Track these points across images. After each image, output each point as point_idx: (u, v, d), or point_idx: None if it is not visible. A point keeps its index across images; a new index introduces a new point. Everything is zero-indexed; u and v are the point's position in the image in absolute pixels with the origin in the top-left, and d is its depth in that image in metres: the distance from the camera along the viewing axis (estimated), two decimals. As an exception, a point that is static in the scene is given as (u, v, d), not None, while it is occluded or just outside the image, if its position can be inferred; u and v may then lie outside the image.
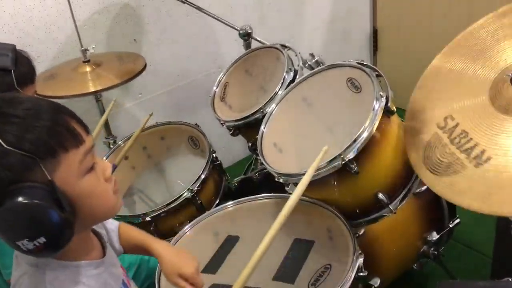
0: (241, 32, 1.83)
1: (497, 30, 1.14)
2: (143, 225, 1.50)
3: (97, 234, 0.93)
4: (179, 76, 2.42)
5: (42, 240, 0.69)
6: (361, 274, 1.09)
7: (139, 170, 1.85)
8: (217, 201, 1.63)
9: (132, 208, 1.79)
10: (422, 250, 1.54)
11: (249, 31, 1.82)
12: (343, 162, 1.15)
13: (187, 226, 1.30)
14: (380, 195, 1.24)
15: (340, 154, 1.16)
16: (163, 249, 1.11)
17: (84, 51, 1.75)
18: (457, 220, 1.53)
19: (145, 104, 2.35)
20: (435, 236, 1.52)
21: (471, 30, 1.21)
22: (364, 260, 1.47)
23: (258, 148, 1.33)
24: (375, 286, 1.45)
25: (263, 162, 1.29)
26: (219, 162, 1.65)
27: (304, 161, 1.43)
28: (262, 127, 1.38)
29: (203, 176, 1.54)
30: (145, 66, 1.81)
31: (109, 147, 1.87)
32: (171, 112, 2.44)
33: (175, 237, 1.29)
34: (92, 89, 1.66)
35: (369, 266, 1.49)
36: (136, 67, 1.78)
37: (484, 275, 1.70)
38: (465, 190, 1.00)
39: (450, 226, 1.53)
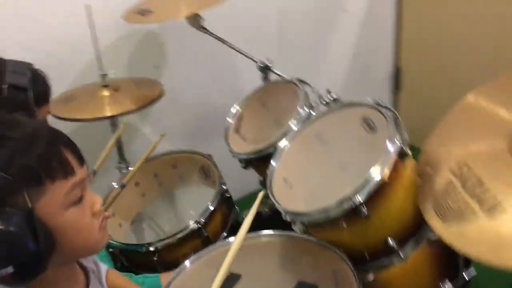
0: (260, 65, 1.82)
1: None
2: (146, 255, 1.48)
3: (84, 268, 0.90)
4: (198, 104, 2.42)
5: (9, 269, 0.67)
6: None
7: (150, 197, 1.83)
8: (224, 234, 1.60)
9: (140, 235, 1.77)
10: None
11: (268, 64, 1.81)
12: (353, 205, 1.11)
13: (187, 261, 1.26)
14: (390, 241, 1.20)
15: (350, 197, 1.12)
16: None
17: (104, 76, 1.76)
18: (473, 273, 1.46)
19: (163, 130, 2.33)
20: (449, 286, 1.45)
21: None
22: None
23: (267, 183, 1.30)
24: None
25: (271, 197, 1.26)
26: (229, 196, 1.62)
27: (314, 198, 1.41)
28: (273, 162, 1.35)
29: (211, 209, 1.51)
30: (162, 93, 1.81)
31: (120, 172, 1.86)
32: (188, 140, 2.43)
33: (176, 270, 1.25)
34: (108, 114, 1.67)
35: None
36: (152, 93, 1.78)
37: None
38: (475, 241, 0.95)
39: (466, 278, 1.46)
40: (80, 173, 0.76)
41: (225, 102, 2.46)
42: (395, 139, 1.16)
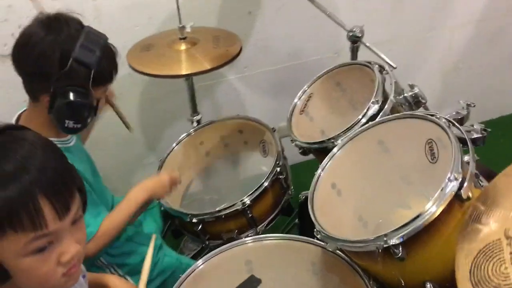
0: (349, 34, 1.63)
1: None
2: (190, 224, 1.49)
3: None
4: (290, 55, 2.29)
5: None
6: None
7: (213, 156, 1.82)
8: (273, 216, 1.55)
9: (199, 191, 1.79)
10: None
11: (358, 35, 1.61)
12: (385, 245, 0.98)
13: (200, 260, 1.24)
14: (429, 286, 1.06)
15: (384, 235, 0.99)
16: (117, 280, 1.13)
17: (182, 28, 1.70)
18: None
19: (248, 78, 2.28)
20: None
21: None
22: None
23: (309, 192, 1.20)
24: None
25: (310, 210, 1.16)
26: (284, 176, 1.54)
27: (368, 208, 1.29)
28: (320, 170, 1.23)
29: (259, 191, 1.46)
30: (240, 51, 1.72)
31: (192, 124, 1.86)
32: (273, 92, 2.35)
33: (188, 271, 1.23)
34: (183, 72, 1.62)
35: None
36: (230, 52, 1.69)
37: None
38: None
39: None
40: (54, 225, 0.71)
41: (321, 56, 2.32)
42: (454, 179, 0.97)
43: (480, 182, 1.14)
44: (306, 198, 1.59)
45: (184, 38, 1.72)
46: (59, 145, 1.19)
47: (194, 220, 1.47)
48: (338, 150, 1.27)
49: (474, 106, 1.30)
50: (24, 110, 1.29)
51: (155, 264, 1.42)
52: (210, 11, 2.02)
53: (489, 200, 0.97)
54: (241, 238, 1.34)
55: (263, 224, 1.53)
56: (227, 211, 1.45)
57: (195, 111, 1.88)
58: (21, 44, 1.17)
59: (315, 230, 1.13)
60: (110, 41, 1.27)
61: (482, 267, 0.88)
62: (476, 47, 2.53)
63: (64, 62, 1.13)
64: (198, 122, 1.87)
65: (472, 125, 1.24)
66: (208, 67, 1.63)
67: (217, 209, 1.47)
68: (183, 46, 1.71)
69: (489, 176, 1.12)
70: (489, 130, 1.22)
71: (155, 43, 1.76)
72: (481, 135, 1.19)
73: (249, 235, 1.49)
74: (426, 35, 2.43)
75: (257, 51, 2.20)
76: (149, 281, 1.34)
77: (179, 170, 1.69)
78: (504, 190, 0.97)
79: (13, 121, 1.28)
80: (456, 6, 2.39)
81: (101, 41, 1.21)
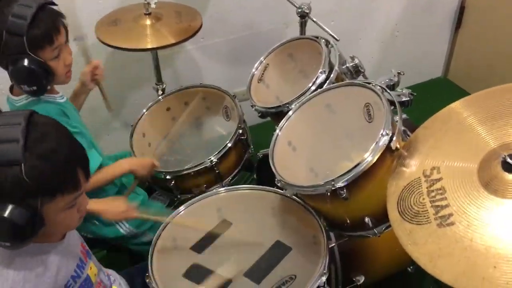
0: (298, 10, 1.84)
1: None
2: (164, 180, 1.69)
3: None
4: (243, 26, 2.47)
5: (8, 244, 0.89)
6: (321, 289, 1.21)
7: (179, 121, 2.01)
8: (236, 171, 1.77)
9: (167, 151, 1.97)
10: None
11: (306, 11, 1.83)
12: (332, 189, 1.23)
13: (182, 207, 1.46)
14: (367, 219, 1.32)
15: (332, 180, 1.24)
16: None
17: (147, 5, 1.85)
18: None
19: (205, 48, 2.45)
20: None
21: (505, 88, 1.19)
22: (353, 258, 1.60)
23: (270, 149, 1.43)
24: (358, 283, 1.58)
25: (271, 164, 1.39)
26: (245, 137, 1.76)
27: (318, 161, 1.53)
28: (278, 130, 1.46)
29: (224, 150, 1.67)
30: (201, 26, 1.89)
31: (157, 93, 2.03)
32: (229, 60, 2.54)
33: (176, 211, 1.45)
34: (149, 46, 1.79)
35: (358, 263, 1.62)
36: (192, 27, 1.87)
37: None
38: (419, 243, 1.05)
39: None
40: (84, 186, 0.94)
41: (272, 26, 2.52)
42: (386, 134, 1.23)
43: (407, 137, 1.41)
44: (264, 155, 1.85)
45: (149, 14, 1.87)
46: (52, 100, 1.42)
47: (168, 177, 1.67)
48: (292, 113, 1.50)
49: (403, 74, 1.57)
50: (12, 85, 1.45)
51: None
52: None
53: (411, 148, 1.24)
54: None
55: (228, 179, 1.76)
56: (197, 168, 1.66)
57: (159, 80, 2.06)
58: None
59: (276, 179, 1.36)
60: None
61: (406, 199, 1.15)
62: (411, 16, 2.80)
63: (0, 38, 1.26)
64: (163, 90, 2.04)
65: (402, 90, 1.51)
66: (173, 41, 1.81)
67: (187, 166, 1.68)
68: (148, 21, 1.87)
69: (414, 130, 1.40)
70: (415, 94, 1.50)
71: (122, 18, 1.90)
72: (408, 98, 1.46)
73: (216, 188, 1.71)
74: (367, 6, 2.67)
75: (213, 23, 2.37)
76: (140, 223, 1.57)
77: (147, 134, 1.88)
78: (422, 139, 1.24)
79: (10, 95, 1.44)
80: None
81: (34, 6, 1.28)
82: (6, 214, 0.85)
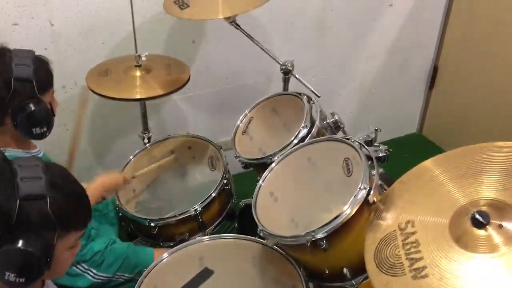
0: (282, 67, 1.94)
1: (495, 160, 1.18)
2: (148, 227, 1.72)
3: None
4: (228, 79, 2.57)
5: (22, 280, 0.91)
6: None
7: (164, 168, 2.05)
8: (219, 221, 1.82)
9: (151, 198, 2.01)
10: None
11: (289, 68, 1.93)
12: (313, 239, 1.29)
13: (166, 253, 1.48)
14: (345, 270, 1.37)
15: (312, 231, 1.29)
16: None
17: (138, 57, 1.93)
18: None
19: (191, 99, 2.54)
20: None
21: (474, 148, 1.27)
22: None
23: (252, 199, 1.48)
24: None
25: (254, 213, 1.44)
26: (229, 187, 1.82)
27: (299, 212, 1.59)
28: (261, 181, 1.53)
29: (209, 200, 1.72)
30: (189, 79, 1.98)
31: (143, 141, 2.09)
32: (214, 111, 2.62)
33: (159, 258, 1.48)
34: (138, 96, 1.86)
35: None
36: (181, 79, 1.95)
37: None
38: None
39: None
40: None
41: (256, 80, 2.63)
42: (364, 188, 1.30)
43: (384, 190, 1.49)
44: (246, 205, 1.90)
45: (139, 66, 1.95)
46: (31, 155, 1.46)
47: (152, 224, 1.70)
48: (275, 165, 1.57)
49: (380, 130, 1.66)
50: None
51: (109, 252, 1.64)
52: (159, 40, 2.27)
53: (387, 201, 1.31)
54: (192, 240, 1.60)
55: (210, 228, 1.79)
56: (182, 216, 1.70)
57: (146, 128, 2.11)
58: None
59: (258, 229, 1.41)
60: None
61: (383, 251, 1.20)
62: (386, 75, 2.95)
63: (9, 85, 1.34)
64: (149, 139, 2.09)
65: (379, 146, 1.59)
66: (161, 92, 1.88)
67: (171, 214, 1.71)
68: (138, 73, 1.95)
69: (391, 185, 1.47)
70: (391, 150, 1.58)
71: (112, 69, 1.97)
72: (384, 154, 1.55)
73: (198, 237, 1.74)
74: (345, 63, 2.82)
75: (199, 75, 2.46)
76: (107, 267, 1.58)
77: (133, 180, 1.92)
78: (398, 193, 1.31)
79: None
80: (368, 40, 2.79)
81: (30, 55, 1.41)
82: (31, 247, 0.89)
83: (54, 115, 1.47)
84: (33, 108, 1.37)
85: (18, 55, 1.37)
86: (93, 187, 1.62)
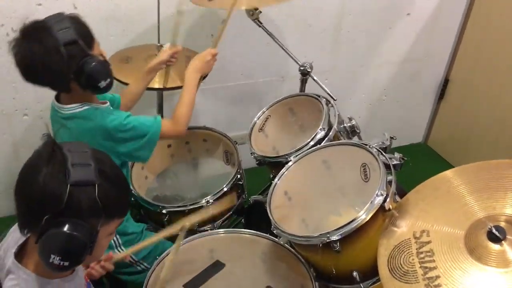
0: (301, 68, 1.96)
1: None
2: (159, 214, 1.74)
3: None
4: (243, 75, 2.59)
5: (66, 263, 0.92)
6: None
7: (177, 158, 2.08)
8: (228, 214, 1.84)
9: (161, 189, 2.03)
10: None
11: (308, 70, 1.95)
12: (327, 241, 1.31)
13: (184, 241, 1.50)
14: (355, 274, 1.40)
15: (327, 233, 1.31)
16: None
17: (160, 47, 1.95)
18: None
19: (204, 92, 2.55)
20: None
21: (498, 163, 1.28)
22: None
23: (268, 196, 1.50)
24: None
25: (268, 211, 1.46)
26: (242, 183, 1.84)
27: (310, 213, 1.61)
28: (277, 179, 1.55)
29: (221, 193, 1.74)
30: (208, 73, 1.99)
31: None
32: (225, 106, 2.64)
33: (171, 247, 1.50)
34: (157, 86, 1.88)
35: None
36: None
37: None
38: None
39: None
40: None
41: (269, 78, 2.64)
42: (380, 195, 1.32)
43: (396, 198, 1.51)
44: (255, 201, 1.92)
45: (160, 55, 1.96)
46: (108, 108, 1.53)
47: (164, 212, 1.72)
48: (291, 165, 1.59)
49: (395, 139, 1.69)
50: (60, 94, 1.51)
51: (144, 236, 1.67)
52: (180, 31, 2.28)
53: (402, 210, 1.34)
54: (201, 232, 1.61)
55: (219, 221, 1.81)
56: (193, 206, 1.71)
57: (161, 117, 2.12)
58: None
59: (272, 226, 1.43)
60: None
61: (396, 257, 1.23)
62: (397, 84, 2.98)
63: (60, 54, 1.31)
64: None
65: (393, 154, 1.62)
66: (181, 83, 1.89)
67: (182, 203, 1.73)
68: (159, 63, 1.95)
69: (400, 193, 1.50)
70: (406, 158, 1.61)
71: (133, 56, 1.98)
72: (399, 162, 1.57)
73: (207, 229, 1.76)
74: (358, 69, 2.84)
75: (214, 69, 2.47)
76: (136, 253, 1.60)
77: (146, 167, 1.93)
78: (413, 203, 1.34)
79: (56, 103, 1.50)
80: (383, 47, 2.81)
81: (65, 18, 1.37)
82: (78, 231, 0.90)
83: (110, 65, 1.46)
84: (90, 65, 1.37)
85: (54, 21, 1.35)
86: (188, 76, 1.71)
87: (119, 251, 1.63)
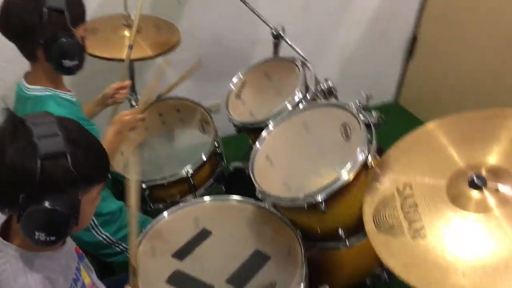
0: (273, 31, 1.94)
1: (505, 127, 1.21)
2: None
3: None
4: (213, 43, 2.54)
5: (52, 238, 0.90)
6: (299, 298, 1.28)
7: (152, 131, 2.04)
8: (209, 183, 1.83)
9: (140, 162, 1.99)
10: (376, 272, 1.73)
11: (280, 32, 1.93)
12: (313, 201, 1.32)
13: (165, 212, 1.50)
14: (340, 231, 1.42)
15: (312, 193, 1.32)
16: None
17: (127, 16, 1.89)
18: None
19: (173, 62, 2.49)
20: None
21: (483, 114, 1.30)
22: (320, 269, 1.69)
23: (250, 160, 1.50)
24: (322, 291, 1.67)
25: (251, 175, 1.46)
26: (220, 151, 1.82)
27: (291, 175, 1.62)
28: (258, 143, 1.54)
29: (200, 162, 1.73)
30: (179, 41, 1.95)
31: (130, 104, 2.05)
32: (197, 75, 2.58)
33: (156, 219, 1.49)
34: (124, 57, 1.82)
35: (324, 274, 1.71)
36: (170, 41, 1.92)
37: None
38: (394, 253, 1.15)
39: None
40: None
41: (240, 45, 2.61)
42: (363, 152, 1.33)
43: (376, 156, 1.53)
44: (235, 168, 1.91)
45: (128, 25, 1.90)
46: (67, 97, 1.47)
47: (144, 186, 1.70)
48: (271, 129, 1.58)
49: (372, 97, 1.69)
50: (28, 73, 1.46)
51: (123, 215, 1.65)
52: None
53: (384, 166, 1.35)
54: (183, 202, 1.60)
55: (201, 190, 1.81)
56: (173, 178, 1.70)
57: (133, 90, 2.08)
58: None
59: (257, 190, 1.43)
60: None
61: (381, 212, 1.25)
62: (367, 44, 2.99)
63: (40, 13, 1.30)
64: (136, 101, 2.06)
65: (371, 112, 1.62)
66: (152, 53, 1.85)
67: (161, 176, 1.71)
68: (127, 33, 1.90)
69: (379, 152, 1.51)
70: (384, 117, 1.62)
71: (100, 28, 1.92)
72: (378, 121, 1.58)
73: (190, 198, 1.75)
74: (328, 31, 2.83)
75: (183, 37, 2.42)
76: (117, 230, 1.59)
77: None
78: (395, 158, 1.36)
79: (23, 81, 1.45)
80: (352, 8, 2.80)
81: None
82: (59, 205, 0.88)
83: (86, 51, 1.42)
84: (64, 39, 1.33)
85: None
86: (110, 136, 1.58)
87: (96, 232, 1.62)
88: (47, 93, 1.43)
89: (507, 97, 2.53)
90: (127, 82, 1.76)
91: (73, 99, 1.52)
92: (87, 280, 1.15)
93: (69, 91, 1.52)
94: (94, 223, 1.60)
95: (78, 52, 1.38)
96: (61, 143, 0.88)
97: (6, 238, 0.98)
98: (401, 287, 1.78)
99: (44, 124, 0.90)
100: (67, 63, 1.36)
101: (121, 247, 1.67)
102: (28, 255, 0.97)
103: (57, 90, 1.45)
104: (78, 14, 1.39)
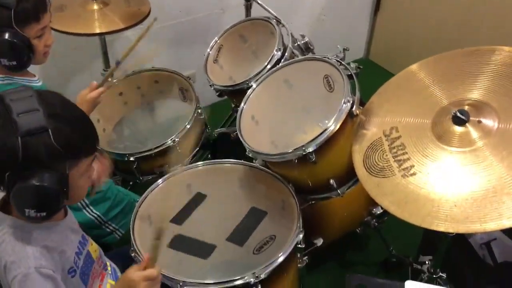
0: (244, -7, 1.93)
1: (482, 63, 1.26)
2: (127, 163, 1.71)
3: None
4: (181, 12, 2.51)
5: (43, 214, 0.91)
6: (299, 246, 1.32)
7: (131, 105, 2.02)
8: (195, 151, 1.84)
9: (121, 139, 1.99)
10: (366, 219, 1.79)
11: (252, -6, 1.92)
12: (303, 153, 1.35)
13: (159, 180, 1.50)
14: (332, 181, 1.46)
15: (302, 146, 1.35)
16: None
17: (94, -8, 1.85)
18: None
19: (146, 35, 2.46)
20: (379, 210, 1.76)
21: (461, 52, 1.33)
22: (313, 223, 1.73)
23: (236, 122, 1.51)
24: (317, 245, 1.72)
25: (240, 136, 1.48)
26: (203, 117, 1.83)
27: (277, 133, 1.64)
28: (242, 104, 1.55)
29: (185, 130, 1.73)
30: (150, 11, 1.92)
31: (107, 79, 2.03)
32: (169, 46, 2.57)
33: (150, 188, 1.49)
34: (97, 31, 1.79)
35: (318, 228, 1.76)
36: (141, 12, 1.89)
37: (413, 249, 1.96)
38: (387, 193, 1.20)
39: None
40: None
41: (209, 12, 2.58)
42: (347, 101, 1.36)
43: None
44: (220, 134, 1.93)
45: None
46: (29, 84, 1.42)
47: (132, 159, 1.70)
48: (254, 88, 1.59)
49: (348, 50, 1.72)
50: None
51: (115, 196, 1.65)
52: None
53: (369, 113, 1.39)
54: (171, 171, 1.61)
55: (189, 158, 1.81)
56: (160, 148, 1.70)
57: (108, 66, 2.05)
58: None
59: (247, 150, 1.45)
60: None
61: (371, 157, 1.29)
62: (334, 1, 2.99)
63: None
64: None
65: (349, 64, 1.65)
66: (123, 25, 1.82)
67: (150, 147, 1.71)
68: (95, 6, 1.86)
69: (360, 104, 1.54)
70: (361, 67, 1.65)
71: (68, 4, 1.87)
72: (356, 71, 1.61)
73: (178, 168, 1.76)
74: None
75: (153, 8, 2.38)
76: (110, 209, 1.59)
77: (101, 119, 1.88)
78: (379, 104, 1.39)
79: None
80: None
81: None
82: (45, 182, 0.87)
83: (31, 52, 1.36)
84: (2, 37, 1.29)
85: None
86: None
87: (88, 212, 1.61)
88: (8, 81, 1.39)
89: (473, 45, 2.58)
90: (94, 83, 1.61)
91: (37, 84, 1.48)
92: (94, 254, 1.15)
93: (33, 76, 1.47)
94: (85, 202, 1.59)
95: (15, 52, 1.33)
96: (42, 118, 0.87)
97: (7, 211, 0.98)
98: (390, 228, 1.91)
99: (23, 99, 0.88)
100: (4, 62, 1.33)
101: (111, 227, 1.67)
102: (27, 226, 0.97)
103: (18, 78, 1.41)
104: (28, 14, 1.32)
